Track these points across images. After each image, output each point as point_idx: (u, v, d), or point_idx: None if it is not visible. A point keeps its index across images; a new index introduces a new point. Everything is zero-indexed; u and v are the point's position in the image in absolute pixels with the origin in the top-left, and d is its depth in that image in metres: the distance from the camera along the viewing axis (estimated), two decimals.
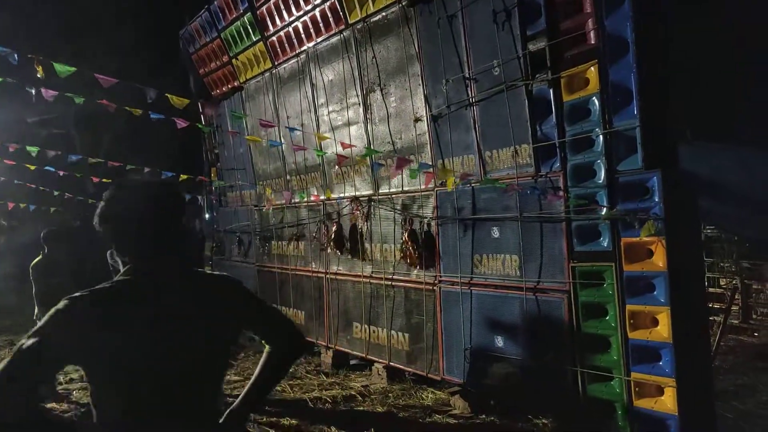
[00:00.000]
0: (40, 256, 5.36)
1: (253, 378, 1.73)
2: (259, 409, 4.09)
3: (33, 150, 6.68)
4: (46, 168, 7.52)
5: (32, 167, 7.51)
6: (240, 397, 1.70)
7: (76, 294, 1.47)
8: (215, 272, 1.79)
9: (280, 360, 1.77)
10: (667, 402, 3.35)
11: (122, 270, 1.57)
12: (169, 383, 1.49)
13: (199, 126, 5.11)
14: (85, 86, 4.42)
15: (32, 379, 1.38)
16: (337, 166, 5.94)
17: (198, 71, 8.47)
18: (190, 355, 1.52)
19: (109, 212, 1.53)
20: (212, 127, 8.59)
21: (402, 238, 5.08)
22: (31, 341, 1.37)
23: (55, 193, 8.74)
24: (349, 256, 5.90)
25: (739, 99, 4.59)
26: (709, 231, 7.40)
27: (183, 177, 7.55)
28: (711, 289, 7.39)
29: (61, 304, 1.44)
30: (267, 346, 1.76)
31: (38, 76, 3.79)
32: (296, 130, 5.65)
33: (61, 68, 3.81)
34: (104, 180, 7.87)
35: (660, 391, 3.40)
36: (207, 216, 9.67)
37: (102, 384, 1.47)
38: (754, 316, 7.29)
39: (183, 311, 1.53)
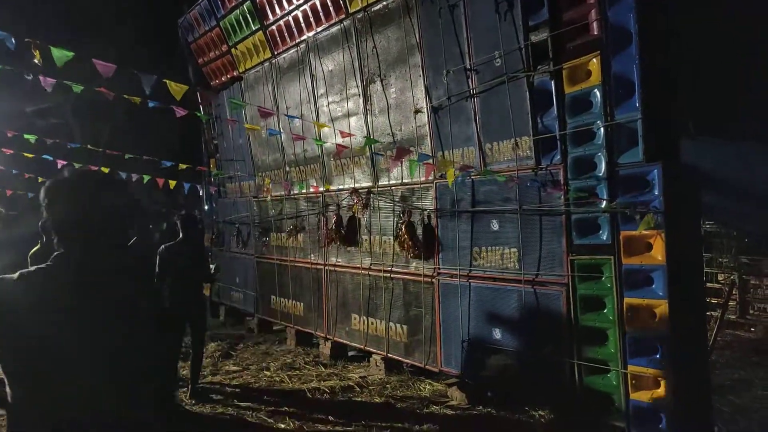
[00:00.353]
0: (38, 246, 5.35)
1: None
2: None
3: (31, 138, 6.64)
4: (44, 156, 7.48)
5: (30, 155, 7.48)
6: None
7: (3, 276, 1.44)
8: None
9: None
10: (664, 395, 3.35)
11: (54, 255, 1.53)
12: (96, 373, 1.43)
13: (198, 114, 5.06)
14: (84, 75, 4.38)
15: None
16: (336, 158, 5.92)
17: (197, 61, 8.42)
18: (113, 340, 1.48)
19: (50, 198, 1.52)
20: (211, 116, 8.55)
21: (399, 230, 5.06)
22: None
23: None
24: (348, 248, 5.89)
25: (743, 93, 4.56)
26: (708, 226, 7.39)
27: (182, 166, 7.52)
28: (709, 284, 7.39)
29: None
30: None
31: (35, 61, 3.75)
32: (295, 118, 5.62)
33: (59, 53, 3.77)
34: (103, 169, 7.84)
35: (657, 383, 3.40)
36: (206, 207, 9.65)
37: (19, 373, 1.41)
38: (751, 312, 7.30)
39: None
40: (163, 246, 5.08)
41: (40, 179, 8.06)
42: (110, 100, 4.80)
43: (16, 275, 1.43)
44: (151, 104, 4.83)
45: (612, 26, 3.51)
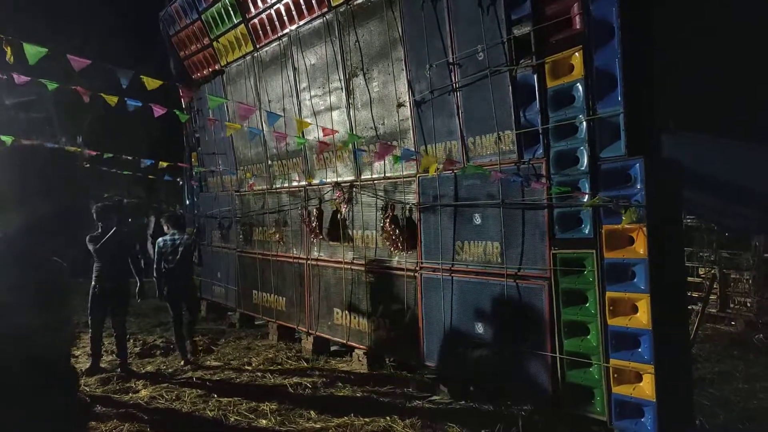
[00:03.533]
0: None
1: None
2: None
3: (7, 140, 6.48)
4: None
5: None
6: None
7: None
8: None
9: None
10: (646, 388, 3.37)
11: None
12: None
13: (177, 113, 4.96)
14: (61, 69, 4.26)
15: None
16: (318, 153, 5.87)
17: (178, 54, 8.29)
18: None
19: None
20: (193, 109, 8.43)
21: (383, 224, 5.03)
22: None
23: None
24: (331, 243, 5.85)
25: (724, 92, 4.60)
26: (689, 220, 7.47)
27: (163, 164, 7.41)
28: (690, 278, 7.48)
29: None
30: None
31: (7, 59, 3.61)
32: (277, 116, 5.54)
33: (32, 50, 3.63)
34: (85, 165, 7.69)
35: (638, 377, 3.42)
36: (187, 201, 9.53)
37: None
38: (731, 305, 7.40)
39: None
40: (160, 238, 6.10)
41: None
42: (93, 84, 4.68)
43: None
44: (129, 102, 4.71)
45: (594, 20, 3.50)
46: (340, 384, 5.10)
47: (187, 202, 9.58)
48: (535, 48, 3.80)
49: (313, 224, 5.92)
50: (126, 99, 4.69)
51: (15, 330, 1.43)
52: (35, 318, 1.49)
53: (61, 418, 1.57)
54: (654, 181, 3.37)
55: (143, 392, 5.00)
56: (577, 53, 3.60)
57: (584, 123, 3.60)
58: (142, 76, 3.83)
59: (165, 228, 6.22)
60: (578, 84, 3.62)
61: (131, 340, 6.68)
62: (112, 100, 4.57)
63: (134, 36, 14.46)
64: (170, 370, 5.73)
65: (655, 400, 3.32)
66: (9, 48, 3.64)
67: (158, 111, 4.78)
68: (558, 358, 3.75)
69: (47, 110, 15.61)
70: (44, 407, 1.51)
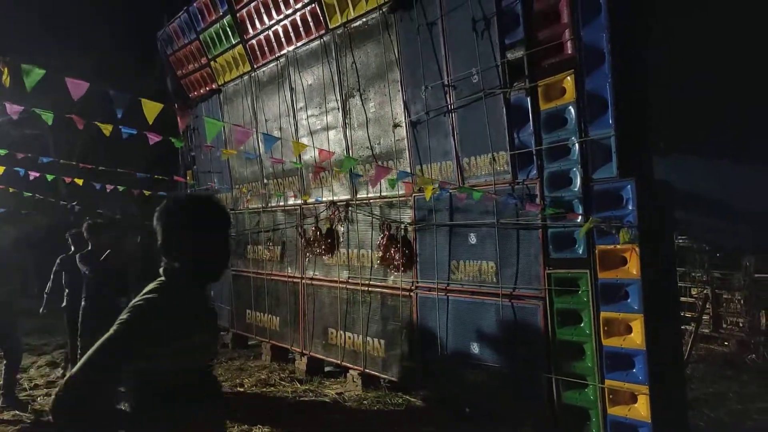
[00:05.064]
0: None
1: None
2: None
3: (1, 152, 6.48)
4: (15, 169, 7.31)
5: (1, 168, 7.29)
6: None
7: (149, 296, 1.63)
8: None
9: None
10: (641, 409, 3.37)
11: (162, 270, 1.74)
12: (199, 371, 1.74)
13: (172, 140, 4.97)
14: (57, 89, 4.26)
15: (113, 372, 1.52)
16: (315, 175, 5.90)
17: (175, 73, 8.36)
18: (210, 347, 1.85)
19: (171, 218, 1.72)
20: (187, 132, 8.48)
21: (381, 243, 5.04)
22: (113, 341, 1.52)
23: (25, 194, 8.50)
24: (326, 261, 5.85)
25: (714, 113, 4.70)
26: (681, 241, 7.53)
27: (157, 177, 7.42)
28: (683, 298, 7.51)
29: (135, 310, 1.57)
30: None
31: (3, 83, 3.59)
32: (275, 138, 5.58)
33: (30, 71, 3.61)
34: (76, 180, 7.69)
35: (634, 398, 3.42)
36: None
37: (155, 378, 1.62)
38: (724, 326, 7.42)
39: (209, 312, 1.89)
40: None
41: (10, 189, 7.88)
42: (89, 103, 4.68)
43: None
44: (124, 131, 4.69)
45: (585, 45, 3.58)
46: (334, 405, 5.06)
47: None
48: (528, 72, 3.87)
49: (311, 242, 5.92)
50: (121, 127, 4.67)
51: None
52: None
53: None
54: (646, 202, 3.42)
55: None
56: (569, 77, 3.67)
57: (576, 145, 3.66)
58: (140, 99, 3.84)
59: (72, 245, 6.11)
60: (570, 107, 3.69)
61: None
62: (107, 128, 4.55)
63: (132, 55, 14.55)
64: None
65: (650, 421, 3.32)
66: (6, 69, 3.62)
67: (153, 138, 4.76)
68: (553, 379, 3.75)
69: (41, 127, 15.63)
70: None
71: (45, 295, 6.17)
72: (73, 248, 6.06)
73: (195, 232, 1.70)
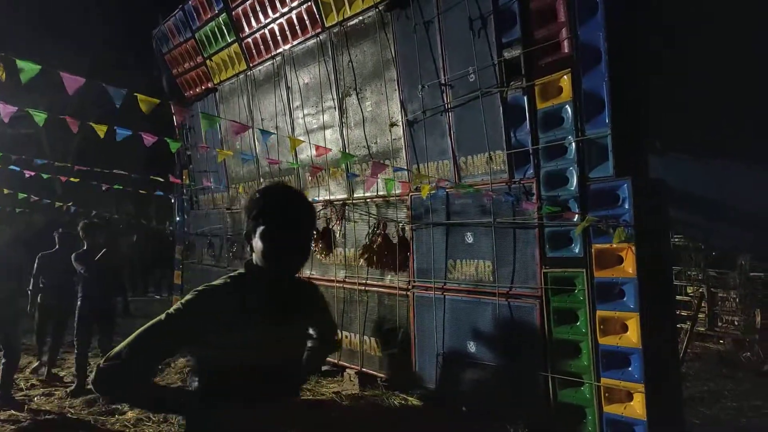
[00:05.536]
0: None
1: (306, 361, 2.02)
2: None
3: None
4: (11, 167, 7.28)
5: None
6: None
7: (205, 286, 1.60)
8: (305, 280, 2.12)
9: (324, 353, 2.18)
10: (636, 407, 3.38)
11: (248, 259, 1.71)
12: (269, 368, 1.63)
13: (168, 140, 4.95)
14: (52, 87, 4.23)
15: (153, 356, 1.56)
16: (312, 175, 5.89)
17: (171, 71, 8.33)
18: (287, 345, 1.73)
19: (265, 209, 1.64)
20: (183, 132, 8.46)
21: (370, 241, 5.04)
22: (161, 321, 1.53)
23: (20, 195, 8.47)
24: (323, 261, 5.84)
25: (709, 112, 4.71)
26: (676, 239, 7.56)
27: (153, 178, 7.40)
28: (678, 297, 7.53)
29: (191, 294, 1.57)
30: (316, 341, 2.07)
31: None
32: (270, 133, 5.57)
33: (26, 66, 3.59)
34: (72, 180, 7.66)
35: (629, 396, 3.43)
36: (178, 218, 9.49)
37: (211, 363, 1.59)
38: (719, 324, 7.45)
39: (288, 309, 1.70)
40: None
41: (5, 191, 7.84)
42: (85, 101, 4.65)
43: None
44: (119, 131, 4.67)
45: (582, 44, 3.59)
46: (331, 404, 5.06)
47: (178, 219, 9.53)
48: (524, 71, 3.87)
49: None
50: (116, 128, 4.65)
51: None
52: None
53: None
54: (642, 201, 3.42)
55: (130, 414, 4.93)
56: (565, 76, 3.68)
57: (573, 144, 3.66)
58: (136, 94, 3.81)
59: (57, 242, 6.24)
60: (567, 106, 3.69)
61: None
62: (102, 129, 4.53)
63: (126, 53, 14.49)
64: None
65: (645, 419, 3.33)
66: (1, 66, 3.59)
67: (149, 139, 4.73)
68: (550, 377, 3.76)
69: (36, 126, 15.55)
70: None
71: (28, 292, 6.15)
72: (57, 246, 6.14)
73: (265, 222, 1.61)
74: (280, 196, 1.67)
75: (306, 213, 1.70)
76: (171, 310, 1.56)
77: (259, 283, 1.65)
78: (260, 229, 1.61)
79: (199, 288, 1.60)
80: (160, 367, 5.67)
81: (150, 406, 1.78)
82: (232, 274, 1.70)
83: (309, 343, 2.03)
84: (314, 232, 1.87)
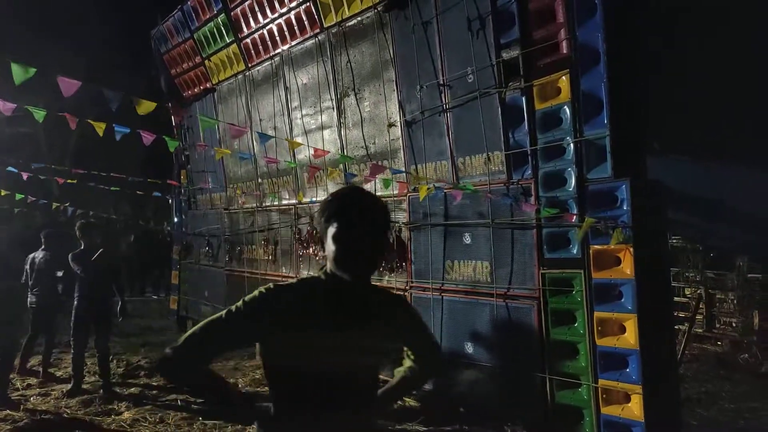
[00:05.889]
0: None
1: (390, 385, 1.94)
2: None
3: None
4: (9, 169, 7.27)
5: None
6: (380, 394, 1.86)
7: (272, 285, 1.59)
8: (389, 290, 1.95)
9: (417, 379, 1.98)
10: (634, 409, 3.38)
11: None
12: (339, 378, 1.56)
13: (166, 138, 4.94)
14: (49, 87, 4.22)
15: (217, 346, 1.57)
16: (309, 174, 5.88)
17: (169, 71, 8.32)
18: (359, 357, 1.60)
19: (336, 211, 1.58)
20: (181, 132, 8.45)
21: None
22: (222, 316, 1.53)
23: (18, 196, 8.45)
24: (320, 261, 5.84)
25: (707, 113, 4.71)
26: (674, 241, 7.56)
27: (151, 180, 7.39)
28: (676, 298, 7.53)
29: (256, 292, 1.56)
30: (409, 363, 1.95)
31: None
32: (269, 137, 5.56)
33: (20, 70, 3.56)
34: (69, 181, 7.64)
35: (627, 398, 3.43)
36: (175, 218, 9.47)
37: (279, 365, 1.57)
38: (717, 326, 7.46)
39: (361, 317, 1.61)
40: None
41: (2, 192, 7.82)
42: (83, 100, 4.65)
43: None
44: (117, 129, 4.66)
45: (581, 45, 3.58)
46: None
47: (176, 220, 9.51)
48: (523, 71, 3.87)
49: (305, 242, 5.90)
50: (114, 125, 4.64)
51: None
52: None
53: None
54: (640, 202, 3.42)
55: (126, 414, 4.91)
56: (564, 77, 3.68)
57: (571, 145, 3.66)
58: (134, 98, 3.80)
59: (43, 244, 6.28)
60: (565, 107, 3.69)
61: (114, 361, 6.58)
62: (100, 127, 4.52)
63: (125, 53, 14.48)
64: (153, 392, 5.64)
65: (643, 420, 3.32)
66: None
67: (147, 137, 4.72)
68: (547, 378, 3.75)
69: (34, 125, 15.54)
70: None
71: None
72: (43, 247, 6.20)
73: (337, 225, 1.55)
74: (352, 198, 1.62)
75: (379, 215, 1.62)
76: (235, 304, 1.56)
77: (328, 286, 1.60)
78: (332, 231, 1.55)
79: (267, 285, 1.59)
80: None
81: (212, 399, 1.79)
82: (304, 277, 1.69)
83: (408, 364, 1.94)
84: (388, 236, 1.77)
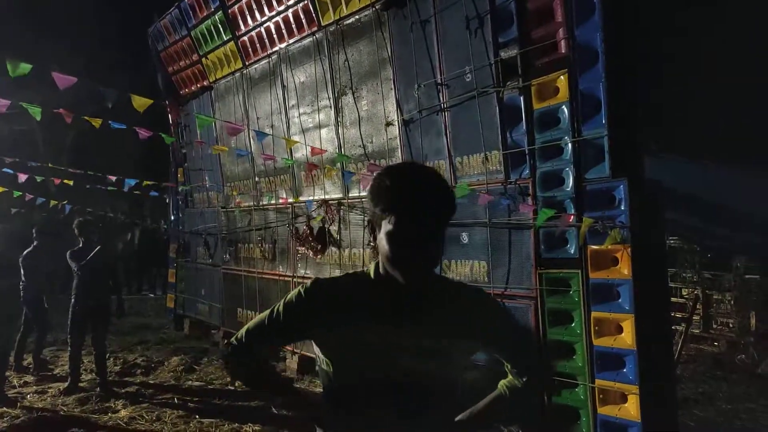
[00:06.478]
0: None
1: (481, 404, 1.78)
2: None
3: None
4: (5, 170, 7.25)
5: None
6: (465, 414, 1.72)
7: (322, 278, 1.52)
8: (470, 285, 1.63)
9: (517, 395, 1.72)
10: (631, 409, 3.37)
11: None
12: (398, 380, 1.38)
13: (163, 135, 4.92)
14: (45, 84, 4.19)
15: (268, 341, 1.57)
16: (307, 174, 5.87)
17: (166, 69, 8.29)
18: (421, 355, 1.40)
19: (393, 202, 1.31)
20: (178, 130, 8.43)
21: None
22: (277, 310, 1.50)
23: (15, 193, 8.42)
24: (317, 260, 5.82)
25: (705, 114, 4.71)
26: (671, 241, 7.56)
27: (147, 183, 7.37)
28: (674, 299, 7.54)
29: (308, 284, 1.49)
30: (510, 377, 1.74)
31: None
32: (266, 135, 5.55)
33: (15, 66, 3.54)
34: (65, 181, 7.61)
35: (624, 398, 3.42)
36: (172, 217, 9.45)
37: (332, 363, 1.47)
38: (714, 326, 7.46)
39: (422, 313, 1.41)
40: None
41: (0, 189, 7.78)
42: (80, 97, 4.63)
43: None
44: (114, 125, 4.64)
45: (579, 45, 3.57)
46: None
47: (172, 218, 9.49)
48: (521, 71, 3.86)
49: (303, 241, 5.89)
50: (110, 122, 4.63)
51: None
52: None
53: None
54: (637, 202, 3.41)
55: (123, 412, 4.90)
56: (562, 76, 3.66)
57: (569, 144, 3.65)
58: (130, 95, 3.78)
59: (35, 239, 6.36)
60: (563, 106, 3.67)
61: (111, 359, 6.56)
62: (97, 122, 4.51)
63: (122, 50, 14.44)
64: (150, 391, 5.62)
65: (640, 420, 3.32)
66: None
67: (144, 134, 4.70)
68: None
69: (30, 123, 15.49)
70: None
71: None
72: (35, 243, 6.24)
73: (396, 221, 1.29)
74: (414, 182, 1.32)
75: (445, 204, 1.36)
76: (286, 297, 1.52)
77: (379, 284, 1.42)
78: (388, 228, 1.30)
79: (319, 277, 1.52)
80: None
81: (269, 392, 1.76)
82: (356, 270, 1.54)
83: (508, 377, 1.73)
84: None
